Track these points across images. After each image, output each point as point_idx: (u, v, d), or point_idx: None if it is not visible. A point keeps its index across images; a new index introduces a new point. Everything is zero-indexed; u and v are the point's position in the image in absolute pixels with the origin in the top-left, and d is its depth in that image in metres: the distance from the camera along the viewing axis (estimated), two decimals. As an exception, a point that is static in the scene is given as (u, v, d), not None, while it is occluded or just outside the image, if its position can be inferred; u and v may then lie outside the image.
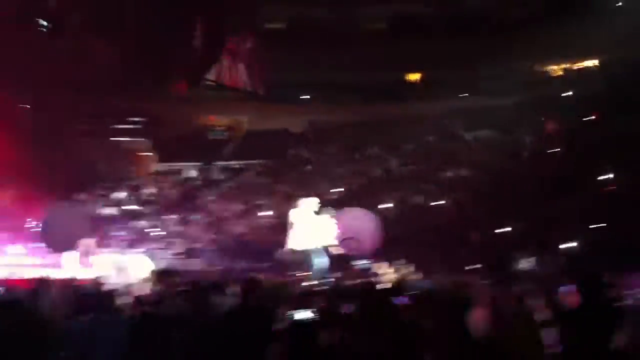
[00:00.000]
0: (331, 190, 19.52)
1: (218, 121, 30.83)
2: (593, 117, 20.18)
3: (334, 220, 12.54)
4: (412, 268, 11.13)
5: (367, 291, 7.62)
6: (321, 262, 11.91)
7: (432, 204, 17.47)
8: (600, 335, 5.34)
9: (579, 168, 17.01)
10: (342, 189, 19.73)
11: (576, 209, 14.55)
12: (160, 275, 8.78)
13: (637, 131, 17.19)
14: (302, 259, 12.13)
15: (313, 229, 12.45)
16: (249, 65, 29.60)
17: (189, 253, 17.27)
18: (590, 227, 13.33)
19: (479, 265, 10.22)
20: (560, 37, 23.62)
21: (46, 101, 22.50)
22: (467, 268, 10.27)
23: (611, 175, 16.37)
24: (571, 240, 12.44)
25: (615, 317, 5.57)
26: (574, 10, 22.83)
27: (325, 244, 12.45)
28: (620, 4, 24.11)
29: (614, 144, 17.56)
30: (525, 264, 10.60)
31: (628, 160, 16.20)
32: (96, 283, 11.53)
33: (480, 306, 6.96)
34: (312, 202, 12.57)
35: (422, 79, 30.19)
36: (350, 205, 18.21)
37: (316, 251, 11.89)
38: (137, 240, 18.73)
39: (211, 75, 28.77)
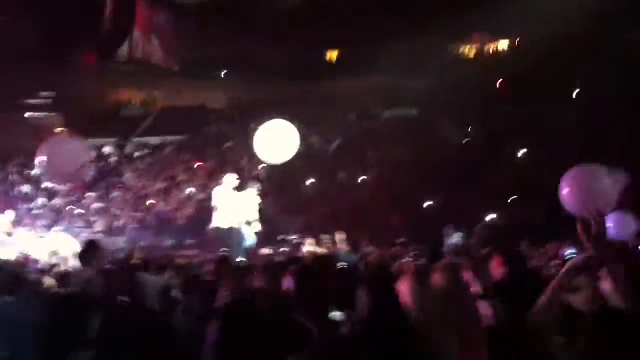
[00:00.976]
0: (257, 167, 19.48)
1: (132, 97, 30.19)
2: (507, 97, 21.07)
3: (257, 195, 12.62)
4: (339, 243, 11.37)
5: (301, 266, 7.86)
6: (250, 239, 12.02)
7: (356, 180, 17.83)
8: (527, 305, 5.71)
9: (494, 146, 17.82)
10: (264, 165, 19.77)
11: (493, 185, 15.33)
12: (87, 252, 8.59)
13: (547, 111, 18.21)
14: (228, 236, 12.20)
15: (236, 206, 12.50)
16: (162, 40, 29.05)
17: (111, 231, 17.02)
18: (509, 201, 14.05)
19: (404, 240, 10.53)
20: (476, 17, 24.34)
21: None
22: (394, 243, 10.58)
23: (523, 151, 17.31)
24: (491, 214, 13.07)
25: (539, 286, 5.97)
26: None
27: (250, 219, 12.52)
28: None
29: (526, 123, 18.52)
30: (453, 238, 11.06)
31: (539, 138, 17.17)
32: (15, 262, 11.31)
33: (406, 278, 7.31)
34: (232, 179, 12.61)
35: (339, 57, 30.52)
36: (273, 182, 18.55)
37: (240, 229, 11.97)
38: (56, 218, 18.28)
39: (123, 50, 28.05)
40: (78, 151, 8.26)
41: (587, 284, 6.20)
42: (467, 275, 6.65)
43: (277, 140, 10.19)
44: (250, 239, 12.45)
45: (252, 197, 12.67)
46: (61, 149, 8.23)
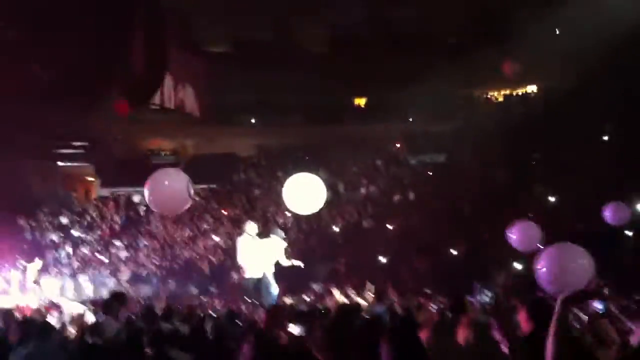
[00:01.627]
0: (284, 215, 19.41)
1: (163, 145, 30.56)
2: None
3: (282, 242, 12.49)
4: (365, 293, 11.17)
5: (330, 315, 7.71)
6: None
7: (381, 226, 17.65)
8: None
9: (521, 190, 17.56)
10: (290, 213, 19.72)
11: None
12: (113, 303, 8.58)
13: (571, 155, 17.99)
14: (256, 284, 12.07)
15: (260, 253, 12.38)
16: (193, 87, 29.51)
17: (136, 279, 17.03)
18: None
19: (429, 290, 10.32)
20: (499, 63, 24.37)
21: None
22: (419, 292, 10.36)
23: (552, 198, 17.02)
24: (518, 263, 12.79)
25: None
26: (511, 37, 23.52)
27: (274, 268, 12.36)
28: (557, 32, 25.00)
29: (551, 166, 18.29)
30: (483, 295, 10.82)
31: (567, 183, 16.89)
32: (40, 311, 11.33)
33: (426, 327, 7.12)
34: (253, 227, 12.52)
35: (366, 103, 30.72)
36: (298, 228, 18.46)
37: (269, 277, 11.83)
38: (82, 266, 18.39)
39: (155, 98, 28.45)
40: (180, 180, 8.39)
41: (617, 340, 5.97)
42: (496, 333, 6.47)
43: (305, 192, 10.14)
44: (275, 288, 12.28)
45: (277, 244, 12.55)
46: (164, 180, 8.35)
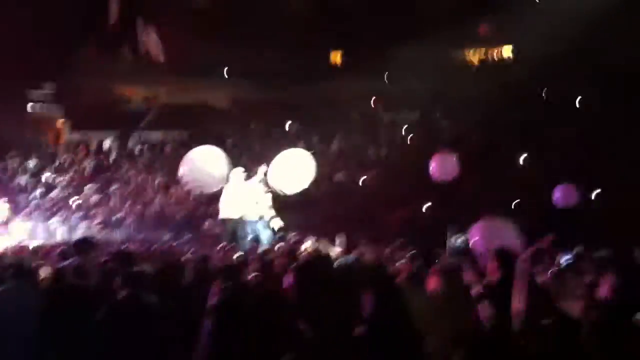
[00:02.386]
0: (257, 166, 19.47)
1: (135, 92, 30.23)
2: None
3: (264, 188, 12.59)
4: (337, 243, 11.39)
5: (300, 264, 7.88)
6: (266, 232, 11.99)
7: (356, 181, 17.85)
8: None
9: (491, 150, 17.88)
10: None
11: (491, 188, 15.41)
12: (81, 245, 8.64)
13: (541, 118, 18.34)
14: (234, 229, 12.19)
15: (244, 197, 12.46)
16: (167, 39, 29.11)
17: (109, 224, 17.04)
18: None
19: (401, 242, 10.55)
20: (477, 26, 24.43)
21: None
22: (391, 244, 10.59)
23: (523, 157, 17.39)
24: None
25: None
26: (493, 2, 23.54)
27: (261, 212, 12.47)
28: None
29: (523, 129, 18.62)
30: (456, 239, 11.13)
31: (534, 143, 17.28)
32: (15, 251, 11.34)
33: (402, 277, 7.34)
34: (238, 172, 12.58)
35: (342, 59, 30.60)
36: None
37: (254, 221, 11.93)
38: (54, 209, 18.32)
39: (127, 45, 28.11)
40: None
41: (584, 293, 6.24)
42: (468, 276, 6.72)
43: (293, 170, 10.28)
44: (264, 233, 12.41)
45: (261, 190, 12.63)
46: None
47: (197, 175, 8.95)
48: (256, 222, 12.14)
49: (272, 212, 12.44)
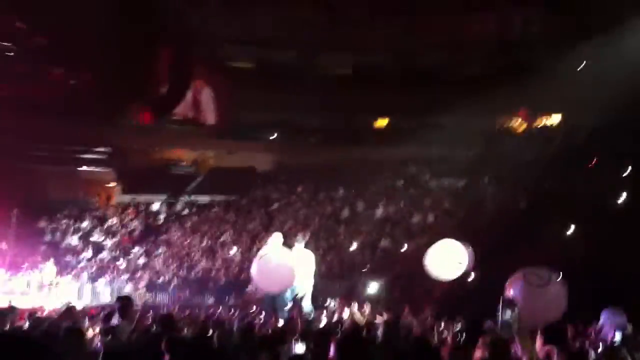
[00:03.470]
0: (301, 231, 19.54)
1: (184, 155, 30.85)
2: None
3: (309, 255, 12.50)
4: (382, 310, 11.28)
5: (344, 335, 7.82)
6: (307, 304, 11.85)
7: (399, 249, 17.71)
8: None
9: (538, 220, 17.60)
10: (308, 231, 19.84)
11: (535, 259, 15.09)
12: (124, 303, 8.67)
13: (589, 188, 18.06)
14: (274, 296, 12.11)
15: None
16: (215, 102, 29.81)
17: (154, 287, 17.21)
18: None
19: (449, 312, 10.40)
20: (524, 95, 24.45)
21: (5, 125, 21.85)
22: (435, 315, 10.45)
23: (570, 230, 17.08)
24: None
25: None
26: (537, 70, 23.60)
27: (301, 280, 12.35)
28: (581, 68, 25.07)
29: (569, 199, 18.33)
30: (507, 313, 10.90)
31: (582, 215, 16.97)
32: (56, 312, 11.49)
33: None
34: (277, 238, 12.53)
35: (387, 124, 30.85)
36: (317, 246, 18.57)
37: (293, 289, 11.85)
38: (101, 271, 18.62)
39: (178, 109, 28.81)
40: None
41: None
42: (517, 348, 6.62)
43: (448, 258, 10.39)
44: (305, 302, 12.24)
45: (301, 254, 12.53)
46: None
47: (267, 278, 9.07)
48: (295, 290, 12.01)
49: (311, 280, 12.26)
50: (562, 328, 7.41)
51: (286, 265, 9.39)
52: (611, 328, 8.54)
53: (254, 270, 9.30)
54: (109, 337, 7.46)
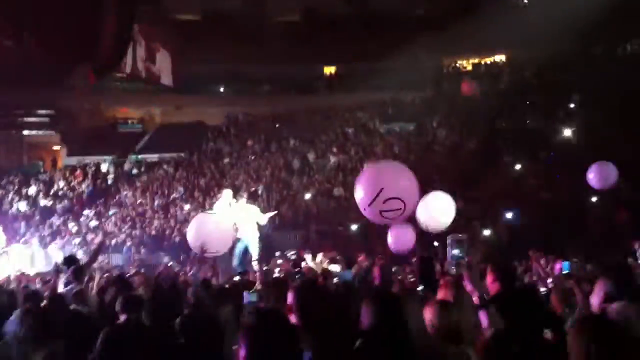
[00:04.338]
0: (254, 184, 19.48)
1: (130, 113, 30.28)
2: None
3: (256, 212, 12.49)
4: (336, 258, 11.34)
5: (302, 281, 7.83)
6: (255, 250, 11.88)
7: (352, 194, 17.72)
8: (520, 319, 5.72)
9: (489, 159, 17.86)
10: (261, 183, 19.78)
11: (487, 198, 15.40)
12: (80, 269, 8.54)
13: (537, 127, 18.36)
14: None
15: (236, 217, 12.35)
16: (159, 56, 29.13)
17: (107, 248, 16.95)
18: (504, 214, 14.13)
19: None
20: (468, 34, 24.49)
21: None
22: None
23: (517, 167, 17.38)
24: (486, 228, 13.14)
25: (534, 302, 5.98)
26: (480, 8, 23.59)
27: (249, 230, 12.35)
28: (526, 2, 25.20)
29: (517, 137, 18.63)
30: (456, 249, 11.14)
31: (528, 152, 17.29)
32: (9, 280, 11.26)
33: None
34: (228, 194, 12.50)
35: (335, 72, 30.70)
36: (269, 198, 18.54)
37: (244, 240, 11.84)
38: (51, 235, 18.27)
39: (121, 66, 28.05)
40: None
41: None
42: (468, 287, 6.70)
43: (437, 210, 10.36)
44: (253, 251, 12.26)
45: (250, 211, 12.52)
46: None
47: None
48: (245, 240, 12.04)
49: (255, 232, 12.29)
50: (509, 264, 7.48)
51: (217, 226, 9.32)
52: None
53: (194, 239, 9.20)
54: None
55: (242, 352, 3.77)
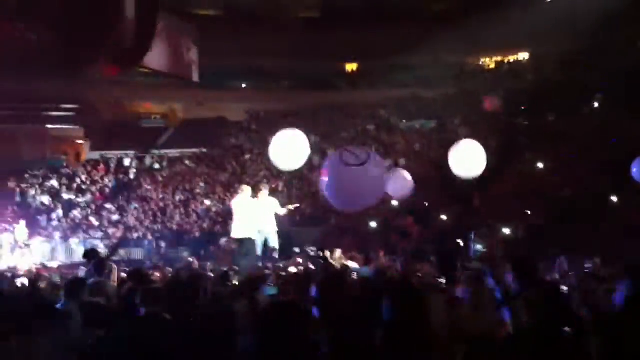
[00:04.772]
0: (276, 180, 19.51)
1: (153, 109, 30.44)
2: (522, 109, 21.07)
3: (275, 205, 12.50)
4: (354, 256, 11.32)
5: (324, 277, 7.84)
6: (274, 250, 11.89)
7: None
8: (540, 316, 5.67)
9: (508, 159, 17.71)
10: (282, 179, 19.80)
11: (507, 197, 15.29)
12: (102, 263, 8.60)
13: (560, 124, 18.14)
14: (245, 247, 12.11)
15: (254, 216, 12.37)
16: (182, 51, 29.19)
17: (128, 242, 17.12)
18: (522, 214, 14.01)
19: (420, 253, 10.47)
20: (490, 31, 24.29)
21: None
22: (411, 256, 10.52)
23: (540, 165, 17.21)
24: (506, 227, 13.05)
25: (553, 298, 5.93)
26: (502, 4, 23.36)
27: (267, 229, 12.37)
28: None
29: (540, 136, 18.45)
30: (477, 244, 11.10)
31: (552, 152, 17.11)
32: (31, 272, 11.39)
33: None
34: (248, 189, 12.52)
35: (358, 69, 30.62)
36: (290, 194, 18.56)
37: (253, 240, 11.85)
38: (73, 229, 18.46)
39: (144, 61, 28.08)
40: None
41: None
42: (490, 282, 6.65)
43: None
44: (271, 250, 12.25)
45: (269, 205, 12.53)
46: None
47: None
48: (265, 233, 12.06)
49: (275, 229, 12.26)
50: (533, 262, 7.44)
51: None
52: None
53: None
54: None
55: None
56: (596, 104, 19.76)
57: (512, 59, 28.12)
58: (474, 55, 28.42)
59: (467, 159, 10.02)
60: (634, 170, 10.10)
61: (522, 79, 23.95)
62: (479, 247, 11.84)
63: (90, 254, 8.57)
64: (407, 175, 11.24)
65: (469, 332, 6.03)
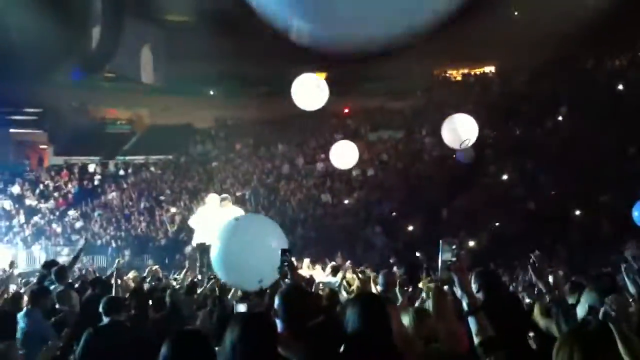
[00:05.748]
0: (241, 188, 19.42)
1: (118, 114, 30.06)
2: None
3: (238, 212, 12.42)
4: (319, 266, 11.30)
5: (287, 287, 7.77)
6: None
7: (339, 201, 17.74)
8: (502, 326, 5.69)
9: (475, 170, 17.88)
10: (249, 187, 19.72)
11: (473, 207, 15.43)
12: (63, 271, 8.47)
13: (527, 136, 18.37)
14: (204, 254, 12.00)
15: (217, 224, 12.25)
16: (149, 56, 28.96)
17: (91, 249, 16.82)
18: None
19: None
20: (458, 44, 24.52)
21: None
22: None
23: (504, 177, 17.41)
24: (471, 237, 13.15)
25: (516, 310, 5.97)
26: (470, 18, 23.61)
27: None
28: (516, 14, 25.30)
29: (506, 148, 18.66)
30: (447, 253, 11.07)
31: (517, 163, 17.31)
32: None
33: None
34: (214, 198, 12.42)
35: (326, 78, 30.61)
36: (257, 202, 18.48)
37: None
38: (35, 235, 18.12)
39: (110, 66, 27.84)
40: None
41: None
42: (457, 290, 6.65)
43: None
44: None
45: (235, 213, 12.42)
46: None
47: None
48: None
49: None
50: (495, 273, 7.49)
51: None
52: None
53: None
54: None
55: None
56: (560, 117, 20.07)
57: (478, 71, 28.47)
58: (441, 68, 28.69)
59: (459, 128, 10.33)
60: (635, 214, 10.16)
61: (488, 92, 24.22)
62: (447, 255, 11.91)
63: (49, 265, 8.44)
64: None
65: (433, 342, 6.01)
